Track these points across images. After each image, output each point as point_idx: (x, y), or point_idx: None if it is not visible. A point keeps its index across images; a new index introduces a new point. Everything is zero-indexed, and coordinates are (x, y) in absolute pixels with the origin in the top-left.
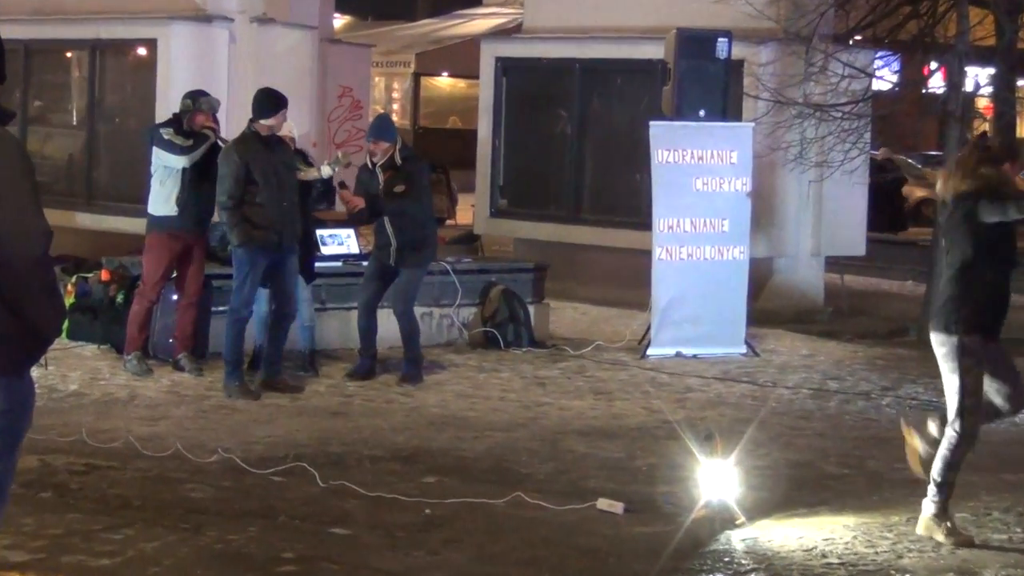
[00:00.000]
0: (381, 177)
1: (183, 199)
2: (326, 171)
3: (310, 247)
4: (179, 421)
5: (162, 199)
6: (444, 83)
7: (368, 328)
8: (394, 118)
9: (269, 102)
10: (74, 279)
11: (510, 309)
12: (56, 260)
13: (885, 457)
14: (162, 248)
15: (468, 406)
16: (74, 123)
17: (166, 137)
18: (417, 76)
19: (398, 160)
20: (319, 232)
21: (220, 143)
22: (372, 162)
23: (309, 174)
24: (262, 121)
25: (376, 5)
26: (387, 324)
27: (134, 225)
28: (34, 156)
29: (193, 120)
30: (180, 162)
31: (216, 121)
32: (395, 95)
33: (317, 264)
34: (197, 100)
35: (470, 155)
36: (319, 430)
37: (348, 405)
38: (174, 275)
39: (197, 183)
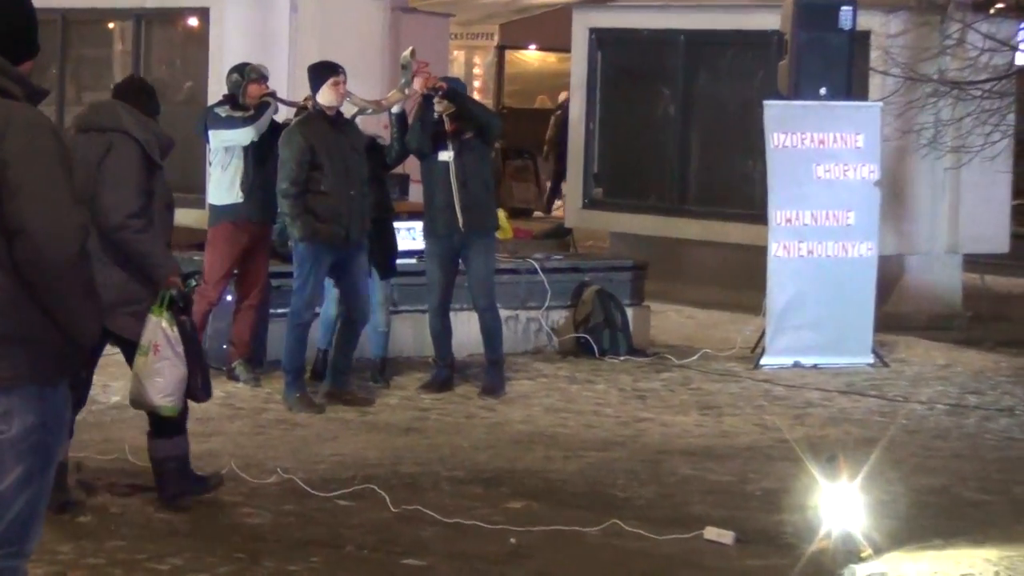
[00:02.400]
0: (448, 125)
1: (248, 183)
2: (396, 96)
3: (387, 239)
4: (233, 437)
5: (225, 186)
6: (532, 57)
7: (442, 333)
8: (476, 97)
9: (312, 74)
10: None
11: (605, 312)
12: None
13: None
14: (227, 241)
15: (558, 422)
16: None
17: (224, 115)
18: (501, 49)
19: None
20: None
21: (286, 106)
22: (437, 111)
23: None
24: (317, 98)
25: None
26: (463, 328)
27: (187, 217)
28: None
29: (248, 93)
30: (248, 135)
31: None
32: (476, 71)
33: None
34: (244, 71)
35: (561, 139)
36: (391, 448)
37: (423, 420)
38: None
39: (261, 165)
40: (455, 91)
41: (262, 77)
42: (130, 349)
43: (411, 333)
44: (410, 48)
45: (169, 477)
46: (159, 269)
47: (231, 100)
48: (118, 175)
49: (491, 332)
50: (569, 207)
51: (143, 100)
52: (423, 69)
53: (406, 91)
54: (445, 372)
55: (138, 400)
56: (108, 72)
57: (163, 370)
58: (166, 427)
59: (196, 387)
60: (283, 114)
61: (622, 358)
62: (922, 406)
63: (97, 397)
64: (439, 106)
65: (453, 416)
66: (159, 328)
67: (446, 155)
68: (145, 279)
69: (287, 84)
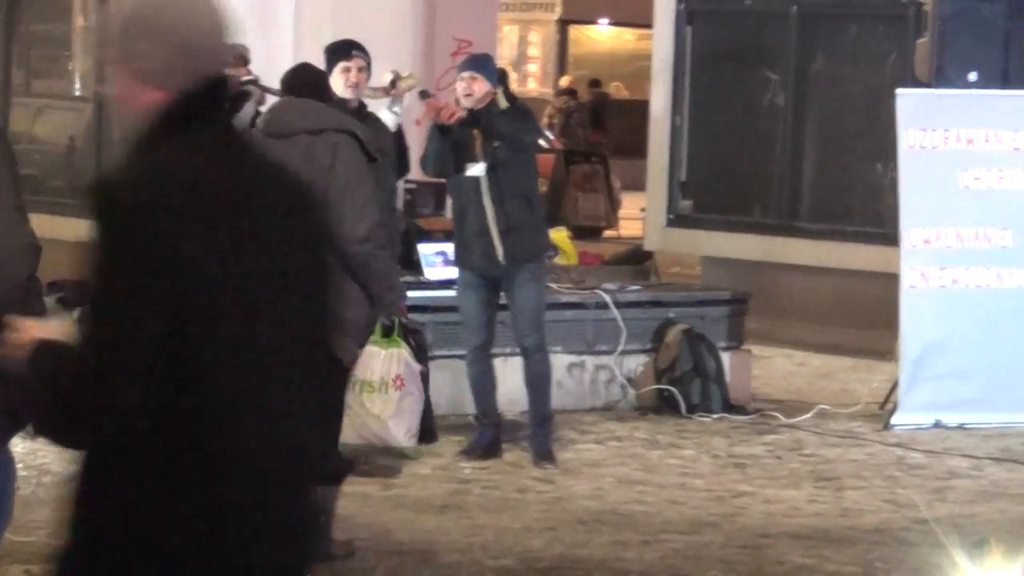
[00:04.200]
0: (477, 144)
1: None
2: (388, 117)
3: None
4: None
5: None
6: (603, 34)
7: (484, 383)
8: (532, 84)
9: (326, 57)
10: (76, 313)
11: (695, 358)
12: (49, 286)
13: None
14: None
15: (635, 497)
16: (76, 93)
17: None
18: (564, 24)
19: (502, 104)
20: (420, 249)
21: (271, 94)
22: (463, 106)
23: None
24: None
25: None
26: (512, 377)
27: None
28: (19, 141)
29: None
30: None
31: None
32: (532, 51)
33: (417, 293)
34: None
35: (640, 138)
36: (422, 530)
37: (463, 495)
38: None
39: None
40: (476, 118)
41: (239, 59)
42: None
43: (448, 384)
44: (391, 75)
45: (324, 531)
46: (390, 290)
47: None
48: (359, 181)
49: (540, 379)
50: (650, 225)
51: (324, 93)
52: (464, 49)
53: (398, 112)
54: (490, 433)
55: (376, 442)
56: (67, 55)
57: (411, 407)
58: (328, 476)
59: (429, 428)
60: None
61: (716, 416)
62: None
63: (50, 467)
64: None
65: (501, 490)
66: (401, 360)
67: (476, 169)
68: (366, 303)
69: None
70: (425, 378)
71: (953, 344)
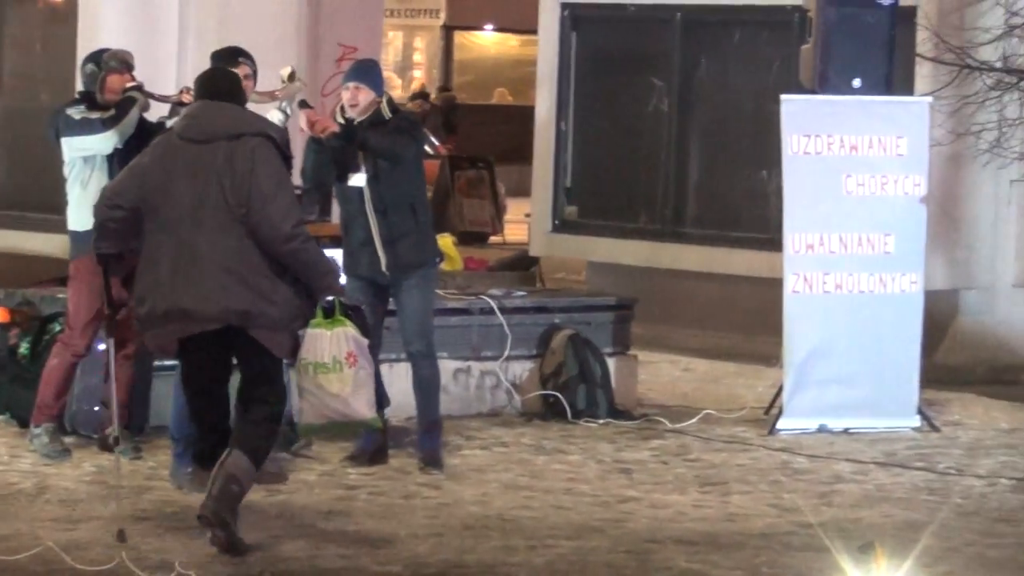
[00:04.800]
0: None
1: None
2: (277, 116)
3: None
4: (108, 523)
5: (87, 206)
6: (488, 40)
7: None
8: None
9: (212, 63)
10: None
11: (581, 364)
12: None
13: None
14: (96, 276)
15: (521, 503)
16: None
17: (78, 117)
18: (449, 30)
19: (386, 114)
20: None
21: (158, 101)
22: (346, 118)
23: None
24: None
25: None
26: (399, 384)
27: (48, 244)
28: None
29: (107, 86)
30: (108, 141)
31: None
32: (417, 58)
33: None
34: (102, 60)
35: (525, 144)
36: (308, 537)
37: (349, 501)
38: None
39: None
40: (351, 133)
41: (125, 66)
42: (251, 364)
43: None
44: (290, 68)
45: (229, 498)
46: (326, 275)
47: (87, 99)
48: (280, 182)
49: (427, 385)
50: (535, 231)
51: (240, 97)
52: (349, 55)
53: (287, 111)
54: (376, 440)
55: (340, 420)
56: None
57: (366, 380)
58: (253, 449)
59: (382, 397)
60: (156, 112)
61: (602, 421)
62: (981, 481)
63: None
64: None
65: (387, 496)
66: (349, 338)
67: (358, 179)
68: (304, 293)
69: (176, 76)
70: (373, 349)
71: (837, 349)
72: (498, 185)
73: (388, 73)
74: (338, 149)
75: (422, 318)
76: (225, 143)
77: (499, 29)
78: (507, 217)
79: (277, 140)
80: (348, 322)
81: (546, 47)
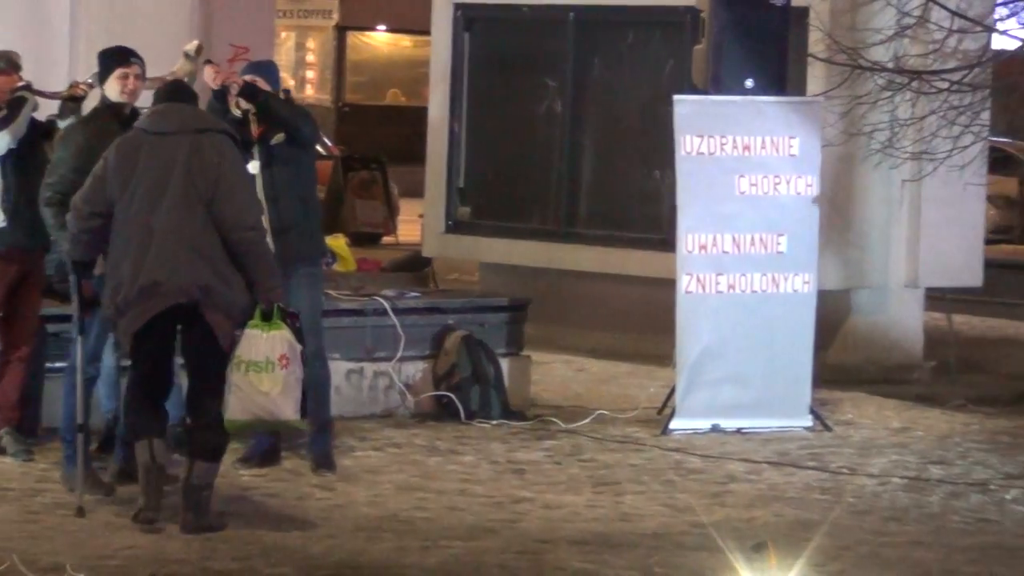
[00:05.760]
0: (254, 128)
1: (10, 203)
2: (185, 67)
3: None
4: None
5: None
6: (380, 41)
7: None
8: (309, 91)
9: (100, 62)
10: None
11: (474, 364)
12: None
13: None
14: None
15: (414, 504)
16: None
17: None
18: (341, 30)
19: None
20: None
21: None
22: (243, 109)
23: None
24: (105, 92)
25: None
26: None
27: None
28: None
29: None
30: (1, 142)
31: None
32: (310, 58)
33: None
34: None
35: (418, 144)
36: (200, 538)
37: (242, 503)
38: None
39: (24, 178)
40: (254, 88)
41: (12, 66)
42: (205, 356)
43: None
44: (196, 42)
45: (203, 506)
46: (272, 275)
47: None
48: (244, 176)
49: (319, 386)
50: (428, 231)
51: (196, 102)
52: (241, 56)
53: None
54: (268, 441)
55: (266, 418)
56: None
57: (295, 383)
58: (208, 451)
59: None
60: (45, 110)
61: (495, 422)
62: (873, 480)
63: None
64: (235, 108)
65: (280, 497)
66: (283, 341)
67: (252, 166)
68: (248, 292)
69: (67, 75)
70: (303, 357)
71: (730, 349)
72: (391, 186)
73: (281, 74)
74: (235, 129)
75: (313, 318)
76: (191, 135)
77: (392, 30)
78: (400, 218)
79: (235, 137)
80: (284, 326)
81: (439, 48)
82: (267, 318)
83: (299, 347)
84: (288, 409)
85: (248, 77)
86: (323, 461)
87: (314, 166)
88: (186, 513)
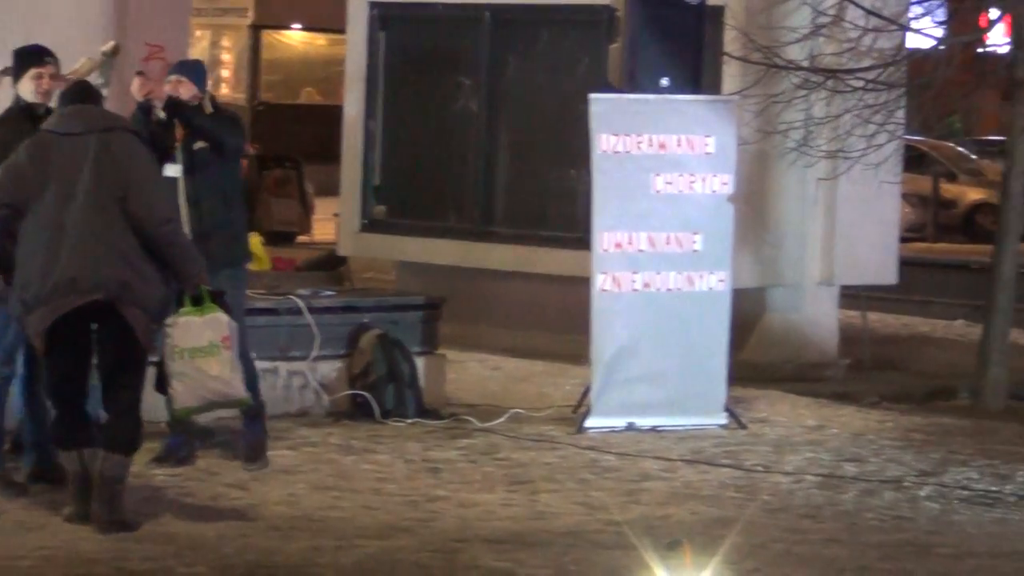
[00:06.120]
0: (178, 132)
1: None
2: (87, 65)
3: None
4: None
5: None
6: (295, 39)
7: None
8: (224, 90)
9: (14, 61)
10: None
11: (389, 363)
12: None
13: (924, 572)
14: None
15: (329, 503)
16: None
17: None
18: (256, 29)
19: (207, 109)
20: None
21: None
22: (168, 112)
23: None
24: (19, 91)
25: None
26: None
27: None
28: None
29: None
30: None
31: None
32: (225, 57)
33: None
34: None
35: (333, 143)
36: (114, 539)
37: (156, 503)
38: None
39: None
40: (178, 103)
41: None
42: (123, 351)
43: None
44: (112, 43)
45: (116, 499)
46: (194, 263)
47: None
48: (155, 172)
49: (248, 380)
50: (344, 230)
51: (101, 103)
52: (156, 55)
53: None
54: (182, 440)
55: (221, 400)
56: None
57: (239, 362)
58: (123, 443)
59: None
60: None
61: (410, 421)
62: (788, 478)
63: None
64: (159, 111)
65: (194, 497)
66: (222, 322)
67: (173, 170)
68: (166, 285)
69: None
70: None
71: (645, 347)
72: (306, 184)
73: None
74: (158, 134)
75: (236, 315)
76: (99, 134)
77: (307, 28)
78: (315, 216)
79: (141, 136)
80: (218, 308)
81: (354, 46)
82: (198, 303)
83: (236, 324)
84: (240, 388)
85: (174, 78)
86: (255, 454)
87: (238, 170)
88: (99, 507)
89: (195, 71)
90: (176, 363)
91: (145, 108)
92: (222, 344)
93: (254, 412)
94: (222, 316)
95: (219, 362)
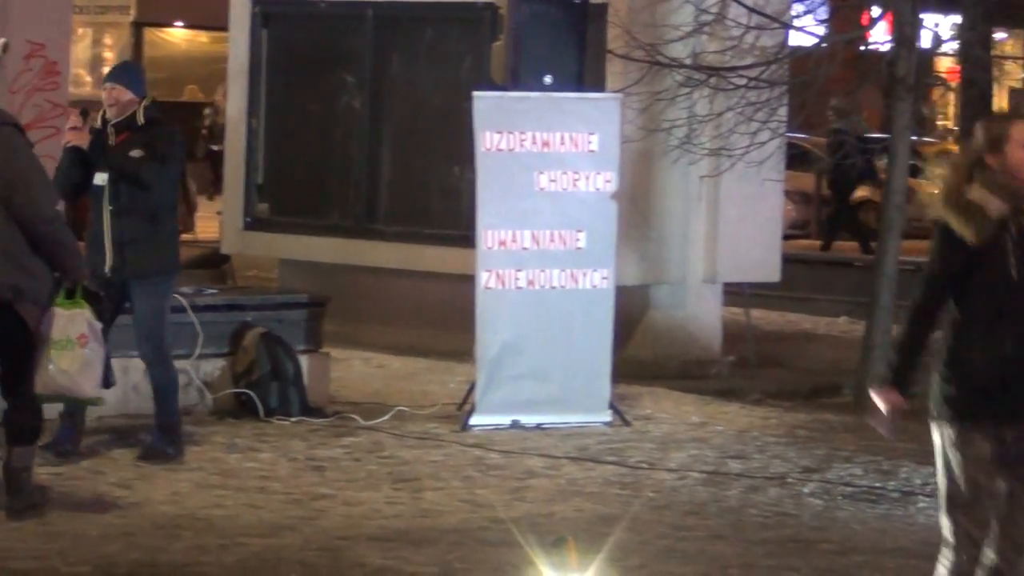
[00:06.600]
0: (114, 138)
1: None
2: None
3: None
4: None
5: None
6: (178, 36)
7: None
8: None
9: None
10: None
11: (273, 362)
12: None
13: (808, 569)
14: None
15: (213, 501)
16: None
17: None
18: (138, 26)
19: (140, 119)
20: None
21: None
22: (105, 118)
23: None
24: None
25: None
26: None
27: None
28: None
29: None
30: None
31: None
32: (107, 55)
33: None
34: None
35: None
36: None
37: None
38: None
39: None
40: (111, 158)
41: None
42: (17, 343)
43: None
44: (2, 40)
45: (24, 487)
46: (76, 258)
47: None
48: (38, 168)
49: (158, 390)
50: (227, 228)
51: None
52: (37, 52)
53: None
54: (69, 434)
55: (66, 394)
56: None
57: (95, 361)
58: (26, 433)
59: (108, 377)
60: None
61: (294, 419)
62: (672, 475)
63: None
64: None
65: (78, 495)
66: (84, 320)
67: (100, 178)
68: (51, 273)
69: None
70: (106, 335)
71: (530, 345)
72: (189, 182)
73: (78, 70)
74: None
75: (149, 325)
76: None
77: (189, 26)
78: (198, 214)
79: (22, 128)
80: (86, 305)
81: (237, 44)
82: (70, 296)
83: (100, 325)
84: (87, 386)
85: (108, 86)
86: (147, 453)
87: (172, 182)
88: (9, 497)
89: (128, 76)
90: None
91: (84, 113)
92: (77, 342)
93: (158, 423)
94: (86, 314)
95: (70, 358)
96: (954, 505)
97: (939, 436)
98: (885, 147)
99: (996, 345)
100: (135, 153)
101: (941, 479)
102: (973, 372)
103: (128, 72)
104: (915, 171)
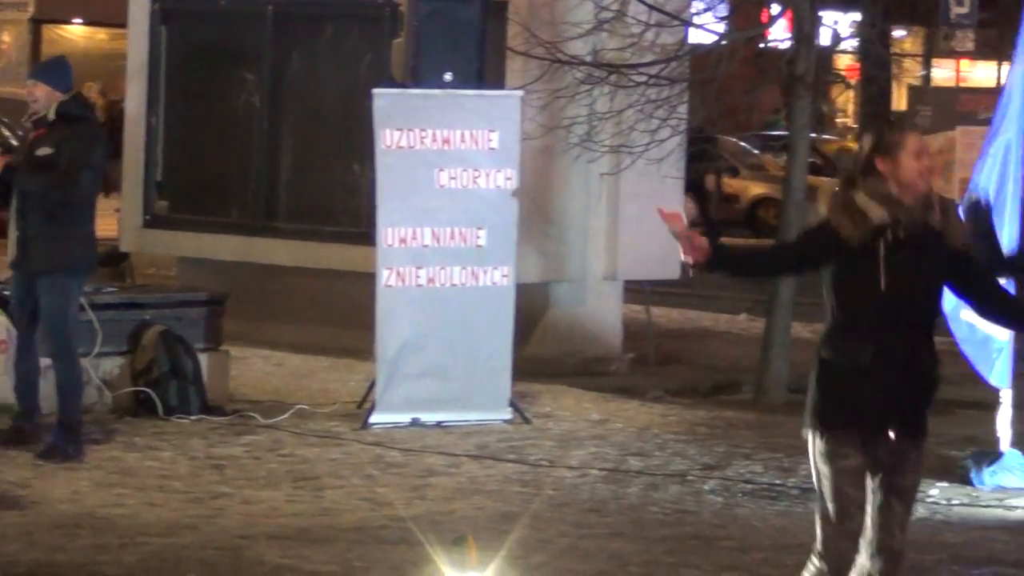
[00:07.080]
0: (32, 135)
1: None
2: None
3: None
4: None
5: None
6: (77, 33)
7: None
8: (3, 86)
9: None
10: None
11: (172, 360)
12: None
13: (709, 565)
14: None
15: (112, 500)
16: None
17: None
18: (37, 23)
19: (51, 115)
20: None
21: None
22: (29, 113)
23: None
24: None
25: None
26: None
27: None
28: None
29: None
30: None
31: None
32: (5, 48)
33: None
34: None
35: (114, 138)
36: None
37: None
38: None
39: None
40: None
41: None
42: None
43: None
44: None
45: None
46: None
47: None
48: None
49: (60, 386)
50: (126, 226)
51: None
52: None
53: None
54: None
55: None
56: None
57: (9, 367)
58: None
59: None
60: None
61: (194, 418)
62: (573, 472)
63: None
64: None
65: None
66: (1, 327)
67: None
68: None
69: None
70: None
71: (430, 343)
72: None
73: None
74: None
75: (52, 320)
76: None
77: (88, 23)
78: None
79: None
80: (3, 313)
81: (136, 41)
82: None
83: (13, 332)
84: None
85: (31, 83)
86: (47, 452)
87: (87, 180)
88: None
89: (50, 72)
90: None
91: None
92: None
93: (60, 420)
94: (3, 320)
95: None
96: (824, 516)
97: (811, 446)
98: (784, 145)
99: (860, 354)
100: (43, 151)
101: (816, 488)
102: (838, 381)
103: (49, 68)
104: (815, 169)
